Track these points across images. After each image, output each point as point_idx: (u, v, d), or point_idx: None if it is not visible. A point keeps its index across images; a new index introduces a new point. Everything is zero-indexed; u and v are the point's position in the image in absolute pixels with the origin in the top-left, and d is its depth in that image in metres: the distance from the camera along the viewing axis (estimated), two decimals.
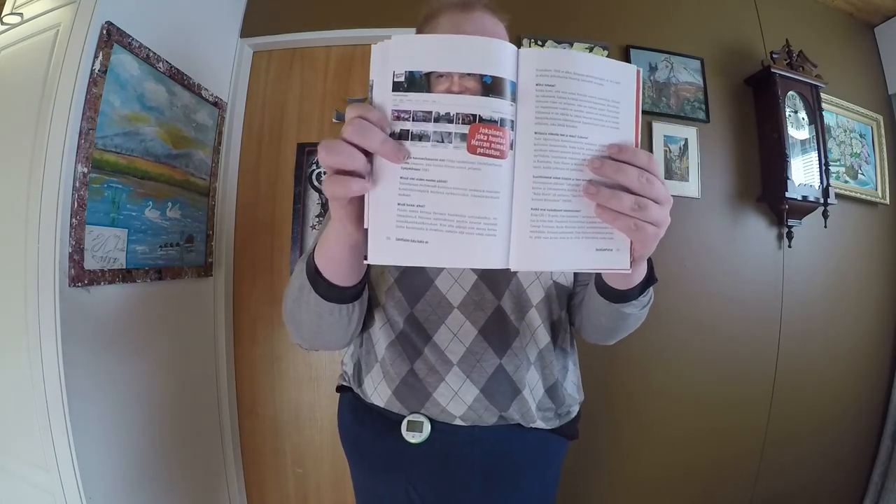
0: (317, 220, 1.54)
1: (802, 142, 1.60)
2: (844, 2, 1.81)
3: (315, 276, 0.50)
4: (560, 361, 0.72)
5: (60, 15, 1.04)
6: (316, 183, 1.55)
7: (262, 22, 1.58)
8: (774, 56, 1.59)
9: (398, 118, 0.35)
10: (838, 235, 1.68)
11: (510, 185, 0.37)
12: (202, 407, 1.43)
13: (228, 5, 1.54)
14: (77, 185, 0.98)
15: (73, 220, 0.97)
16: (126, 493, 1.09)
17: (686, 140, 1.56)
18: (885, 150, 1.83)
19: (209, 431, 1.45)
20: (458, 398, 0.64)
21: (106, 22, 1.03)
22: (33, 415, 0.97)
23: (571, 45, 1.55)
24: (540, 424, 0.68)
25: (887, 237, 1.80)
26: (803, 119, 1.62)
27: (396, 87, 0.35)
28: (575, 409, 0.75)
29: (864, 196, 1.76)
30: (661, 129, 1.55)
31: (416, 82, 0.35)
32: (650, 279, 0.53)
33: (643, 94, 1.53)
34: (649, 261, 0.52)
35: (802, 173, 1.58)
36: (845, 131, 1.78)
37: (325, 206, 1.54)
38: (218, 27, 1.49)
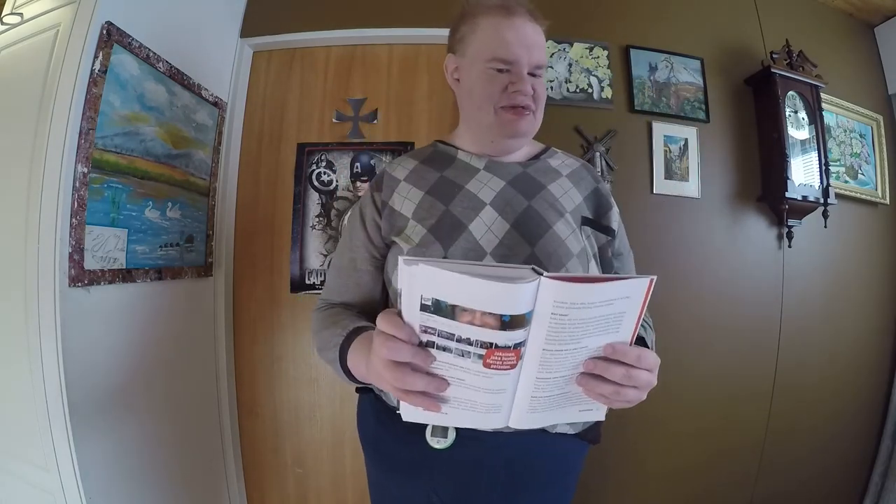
0: (317, 220, 1.54)
1: (802, 142, 1.60)
2: (844, 2, 1.81)
3: (348, 372, 0.60)
4: None
5: (60, 15, 1.04)
6: (316, 183, 1.55)
7: (262, 22, 1.58)
8: (774, 56, 1.59)
9: (425, 331, 0.41)
10: (838, 235, 1.68)
11: (515, 383, 0.44)
12: (202, 407, 1.43)
13: (228, 5, 1.54)
14: (77, 185, 0.97)
15: (73, 220, 0.97)
16: (126, 492, 1.09)
17: (686, 140, 1.56)
18: (885, 150, 1.83)
19: (209, 431, 1.45)
20: None
21: (106, 22, 1.03)
22: (33, 415, 0.97)
23: (571, 45, 1.55)
24: (565, 429, 0.68)
25: (887, 237, 1.80)
26: (803, 119, 1.62)
27: (424, 307, 0.39)
28: None
29: (864, 196, 1.76)
30: (661, 129, 1.55)
31: (441, 309, 0.39)
32: None
33: (643, 95, 1.55)
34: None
35: (802, 173, 1.58)
36: (845, 131, 1.78)
37: (324, 206, 1.54)
38: (218, 27, 1.49)
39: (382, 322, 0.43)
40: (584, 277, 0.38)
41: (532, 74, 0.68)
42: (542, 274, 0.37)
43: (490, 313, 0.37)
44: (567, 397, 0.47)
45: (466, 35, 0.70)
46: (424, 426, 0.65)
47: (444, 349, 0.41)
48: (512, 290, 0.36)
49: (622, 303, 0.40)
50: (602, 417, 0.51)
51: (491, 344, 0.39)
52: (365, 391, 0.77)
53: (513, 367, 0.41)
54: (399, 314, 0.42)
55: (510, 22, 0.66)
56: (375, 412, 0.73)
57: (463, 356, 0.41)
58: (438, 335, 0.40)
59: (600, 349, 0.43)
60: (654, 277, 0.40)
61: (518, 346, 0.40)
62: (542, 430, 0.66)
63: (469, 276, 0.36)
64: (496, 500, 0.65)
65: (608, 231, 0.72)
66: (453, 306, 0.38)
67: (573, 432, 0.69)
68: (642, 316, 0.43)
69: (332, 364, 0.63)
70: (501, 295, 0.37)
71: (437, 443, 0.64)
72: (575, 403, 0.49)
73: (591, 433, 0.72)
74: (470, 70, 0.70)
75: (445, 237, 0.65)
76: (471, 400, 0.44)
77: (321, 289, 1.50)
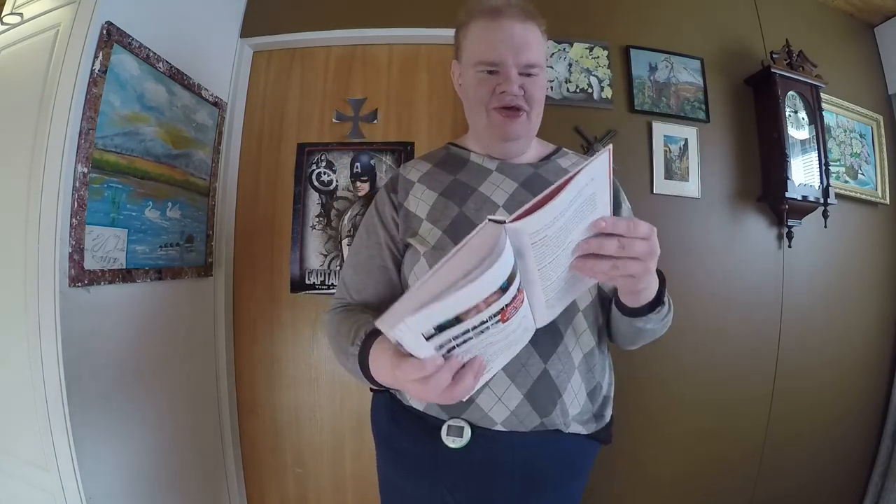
0: (317, 220, 1.54)
1: (802, 142, 1.60)
2: (844, 2, 1.81)
3: (370, 377, 0.60)
4: (601, 366, 0.72)
5: (60, 15, 1.04)
6: (316, 183, 1.55)
7: (262, 22, 1.58)
8: (774, 56, 1.59)
9: (441, 347, 0.39)
10: (838, 235, 1.68)
11: (529, 306, 0.45)
12: (202, 407, 1.43)
13: (228, 5, 1.54)
14: (77, 185, 0.97)
15: (73, 220, 0.97)
16: (126, 492, 1.09)
17: (686, 140, 1.56)
18: (885, 150, 1.82)
19: (209, 431, 1.45)
20: (501, 403, 0.63)
21: (106, 22, 1.03)
22: (33, 415, 0.97)
23: (571, 45, 1.55)
24: (578, 429, 0.68)
25: (887, 237, 1.80)
26: (803, 119, 1.62)
27: (430, 337, 0.38)
28: (609, 414, 0.75)
29: (864, 196, 1.76)
30: (661, 129, 1.55)
31: (447, 325, 0.37)
32: (657, 301, 0.58)
33: (643, 95, 1.55)
34: (661, 286, 0.58)
35: (802, 173, 1.57)
36: (845, 131, 1.77)
37: (324, 206, 1.54)
38: (218, 27, 1.49)
39: (404, 374, 0.42)
40: (544, 198, 0.37)
41: (526, 74, 0.68)
42: (503, 221, 0.37)
43: (489, 295, 0.37)
44: (574, 280, 0.49)
45: (462, 42, 0.72)
46: (439, 427, 0.65)
47: (465, 341, 0.40)
48: (495, 271, 0.36)
49: (589, 187, 0.41)
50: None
51: (502, 307, 0.39)
52: (379, 390, 0.77)
53: (523, 301, 0.43)
54: (409, 354, 0.41)
55: (496, 24, 0.67)
56: (390, 411, 0.73)
57: (483, 332, 0.40)
58: (454, 340, 0.40)
59: (587, 230, 0.44)
60: (610, 147, 0.41)
61: (521, 286, 0.41)
62: (556, 430, 0.66)
63: (451, 293, 0.34)
64: (510, 500, 0.65)
65: None
66: (456, 318, 0.37)
67: (586, 433, 0.69)
68: (611, 184, 0.44)
69: (353, 373, 0.63)
70: (489, 281, 0.36)
71: (452, 442, 0.64)
72: (580, 280, 0.50)
73: (602, 433, 0.72)
74: (466, 75, 0.72)
75: (461, 239, 0.65)
76: (506, 341, 0.45)
77: (321, 289, 1.50)
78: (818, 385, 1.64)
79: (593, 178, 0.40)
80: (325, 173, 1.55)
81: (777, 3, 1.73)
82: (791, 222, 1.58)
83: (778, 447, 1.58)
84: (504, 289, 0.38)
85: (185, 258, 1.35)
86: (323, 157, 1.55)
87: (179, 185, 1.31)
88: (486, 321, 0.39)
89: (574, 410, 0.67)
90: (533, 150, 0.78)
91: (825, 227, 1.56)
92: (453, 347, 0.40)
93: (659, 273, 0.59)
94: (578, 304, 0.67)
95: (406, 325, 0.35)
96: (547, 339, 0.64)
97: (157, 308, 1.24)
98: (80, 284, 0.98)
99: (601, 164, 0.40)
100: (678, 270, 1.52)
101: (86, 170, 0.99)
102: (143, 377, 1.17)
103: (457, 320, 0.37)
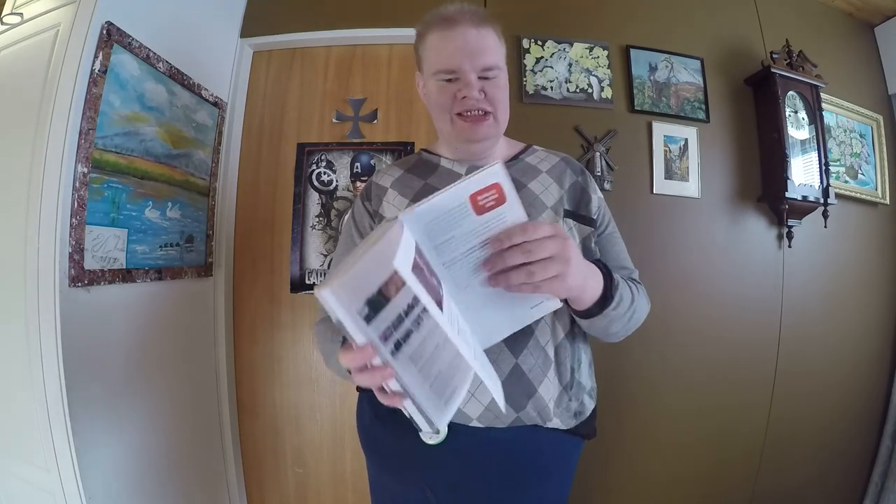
0: (317, 220, 1.54)
1: (802, 142, 1.60)
2: (844, 2, 1.81)
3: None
4: (576, 358, 0.72)
5: (60, 15, 1.04)
6: (316, 183, 1.55)
7: (262, 22, 1.58)
8: (774, 56, 1.59)
9: (386, 338, 0.40)
10: (838, 235, 1.68)
11: (457, 317, 0.47)
12: (202, 407, 1.43)
13: (228, 5, 1.54)
14: (77, 185, 0.98)
15: (73, 220, 0.97)
16: (126, 492, 1.09)
17: (686, 140, 1.56)
18: (885, 150, 1.83)
19: (209, 431, 1.45)
20: (475, 399, 0.64)
21: (106, 22, 1.03)
22: (33, 415, 0.97)
23: (571, 45, 1.54)
24: (556, 424, 0.68)
25: (887, 237, 1.80)
26: (803, 119, 1.62)
27: (367, 318, 0.38)
28: (590, 408, 0.75)
29: (864, 196, 1.76)
30: (661, 129, 1.55)
31: (377, 303, 0.38)
32: (605, 298, 0.60)
33: (643, 95, 1.55)
34: (607, 280, 0.59)
35: (802, 173, 1.58)
36: (845, 131, 1.78)
37: (324, 206, 1.54)
38: (218, 27, 1.49)
39: (345, 357, 0.41)
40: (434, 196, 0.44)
41: (485, 78, 0.69)
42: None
43: (398, 272, 0.38)
44: (502, 304, 0.52)
45: (422, 54, 0.73)
46: None
47: (408, 334, 0.41)
48: (382, 251, 0.39)
49: (488, 200, 0.45)
50: (558, 304, 0.54)
51: (420, 289, 0.41)
52: (364, 388, 0.78)
53: (443, 300, 0.45)
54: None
55: (450, 33, 0.68)
56: (373, 408, 0.74)
57: (419, 324, 0.41)
58: (395, 328, 0.40)
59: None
60: (499, 162, 0.45)
61: (441, 292, 0.45)
62: (535, 425, 0.67)
63: (358, 266, 0.37)
64: (489, 494, 0.67)
65: (590, 222, 0.75)
66: (380, 290, 0.38)
67: (565, 428, 0.70)
68: (517, 196, 0.47)
69: (344, 377, 0.65)
70: (382, 258, 0.38)
71: (429, 438, 0.65)
72: (520, 303, 0.53)
73: (583, 428, 0.73)
74: (428, 85, 0.73)
75: None
76: (447, 354, 0.45)
77: None
78: (818, 385, 1.64)
79: (485, 188, 0.44)
80: (325, 173, 1.55)
81: (777, 3, 1.73)
82: (791, 222, 1.58)
83: (778, 447, 1.58)
84: (416, 264, 0.41)
85: (185, 258, 1.35)
86: (323, 157, 1.55)
87: (179, 185, 1.31)
88: (413, 306, 0.40)
89: (551, 405, 0.67)
90: (502, 150, 0.80)
91: (825, 227, 1.56)
92: (399, 343, 0.41)
93: (604, 268, 0.61)
94: None
95: (328, 296, 0.35)
96: (517, 333, 0.65)
97: (157, 308, 1.24)
98: (80, 284, 0.98)
99: (494, 178, 0.44)
100: (678, 271, 1.52)
101: (86, 170, 0.99)
102: (143, 377, 1.17)
103: (383, 297, 0.38)
